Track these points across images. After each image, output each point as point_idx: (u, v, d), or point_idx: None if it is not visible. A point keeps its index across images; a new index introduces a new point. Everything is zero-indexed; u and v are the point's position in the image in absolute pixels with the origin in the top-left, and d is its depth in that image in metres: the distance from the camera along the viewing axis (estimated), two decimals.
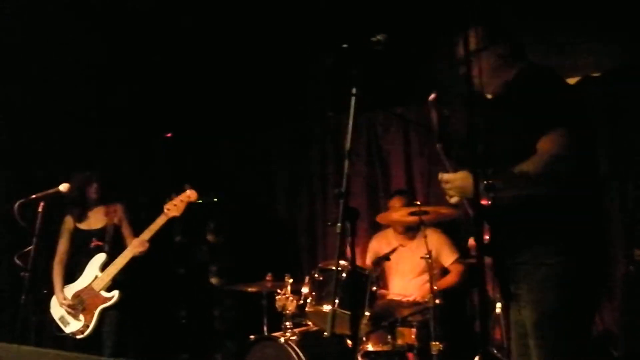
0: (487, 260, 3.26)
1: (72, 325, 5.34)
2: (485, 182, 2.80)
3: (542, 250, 2.98)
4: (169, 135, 6.77)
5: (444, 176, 3.19)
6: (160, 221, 5.31)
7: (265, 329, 5.51)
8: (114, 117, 6.64)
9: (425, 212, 5.28)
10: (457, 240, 5.83)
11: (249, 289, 5.56)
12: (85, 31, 6.04)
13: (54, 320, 5.44)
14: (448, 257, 5.72)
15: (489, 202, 2.93)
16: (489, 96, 3.34)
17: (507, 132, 3.12)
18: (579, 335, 3.01)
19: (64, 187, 5.06)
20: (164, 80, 6.75)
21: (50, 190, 5.03)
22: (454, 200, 3.20)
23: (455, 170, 3.21)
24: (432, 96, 3.26)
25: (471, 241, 3.42)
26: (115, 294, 5.30)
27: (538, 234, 3.01)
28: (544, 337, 2.99)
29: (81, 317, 5.32)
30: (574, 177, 2.93)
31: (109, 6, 5.92)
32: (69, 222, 5.62)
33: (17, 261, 4.91)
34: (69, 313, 5.36)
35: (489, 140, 3.19)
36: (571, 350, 2.98)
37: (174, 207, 5.32)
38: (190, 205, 5.38)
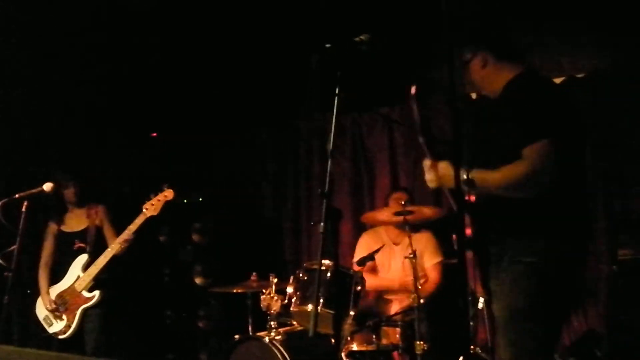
0: (469, 254, 3.31)
1: (55, 326, 5.36)
2: (465, 176, 2.85)
3: (520, 248, 3.03)
4: (154, 134, 6.77)
5: (427, 161, 3.29)
6: (138, 221, 5.35)
7: (250, 328, 5.50)
8: (98, 116, 6.62)
9: (410, 212, 5.28)
10: (444, 240, 5.83)
11: (234, 290, 5.55)
12: (72, 28, 6.02)
13: (38, 320, 5.44)
14: (429, 259, 5.71)
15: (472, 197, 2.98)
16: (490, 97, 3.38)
17: (497, 137, 3.16)
18: (547, 335, 3.05)
19: (47, 186, 5.07)
20: (150, 79, 6.73)
21: (34, 190, 5.03)
22: (432, 185, 3.29)
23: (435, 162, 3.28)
24: (412, 89, 3.28)
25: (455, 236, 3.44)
26: (97, 293, 5.34)
27: (516, 232, 3.06)
28: (511, 335, 3.02)
29: (64, 317, 5.35)
30: (555, 184, 2.96)
31: (100, 4, 5.91)
32: (52, 226, 5.68)
33: (0, 261, 4.90)
34: (52, 312, 5.36)
35: (481, 141, 3.24)
36: (537, 350, 3.01)
37: (151, 207, 5.38)
38: (168, 205, 5.41)
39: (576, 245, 3.07)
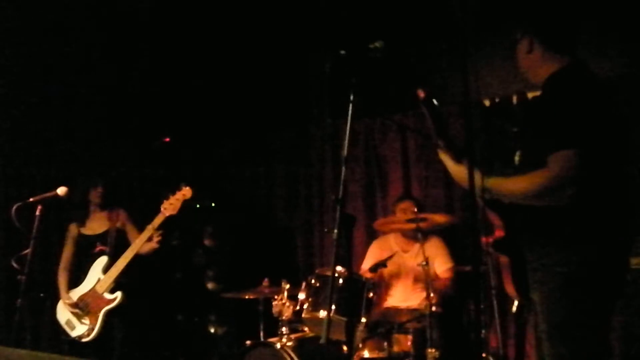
0: (504, 259, 3.27)
1: (78, 329, 5.35)
2: (482, 183, 2.81)
3: (554, 257, 2.93)
4: (167, 139, 6.78)
5: (443, 157, 3.23)
6: (157, 220, 5.33)
7: (261, 334, 5.50)
8: (115, 121, 6.66)
9: (423, 220, 5.28)
10: (455, 247, 5.82)
11: (246, 296, 5.55)
12: (88, 33, 6.06)
13: (60, 324, 5.44)
14: (440, 265, 5.70)
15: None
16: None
17: (533, 138, 3.05)
18: (589, 345, 2.94)
19: (61, 190, 5.10)
20: (164, 84, 6.77)
21: (48, 194, 5.06)
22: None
23: (457, 160, 3.20)
24: (421, 94, 3.22)
25: (484, 237, 3.41)
26: (119, 295, 5.32)
27: (549, 241, 2.96)
28: (554, 347, 2.97)
29: (86, 320, 5.33)
30: (584, 195, 2.85)
31: (111, 9, 5.95)
32: (73, 229, 5.66)
33: (14, 264, 4.92)
34: (74, 315, 5.36)
35: (523, 144, 3.16)
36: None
37: (170, 206, 5.35)
38: (186, 203, 5.40)
39: (613, 254, 2.96)
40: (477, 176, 2.70)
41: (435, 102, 3.15)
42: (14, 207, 4.86)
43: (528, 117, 3.28)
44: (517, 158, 3.14)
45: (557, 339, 2.96)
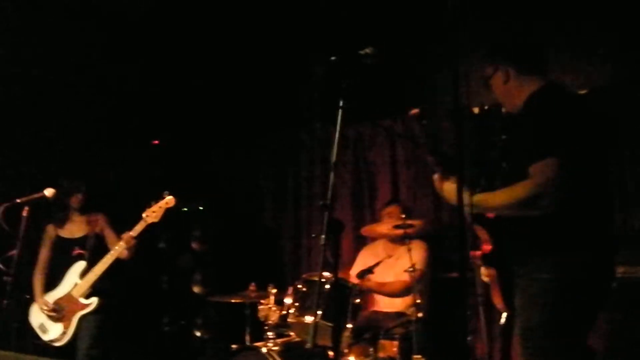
0: (491, 271, 3.33)
1: (51, 333, 5.32)
2: (468, 200, 2.84)
3: (536, 265, 3.00)
4: (156, 142, 6.77)
5: (435, 176, 3.34)
6: (138, 227, 5.32)
7: (247, 338, 5.49)
8: (101, 123, 6.63)
9: (410, 226, 5.29)
10: (442, 254, 5.82)
11: (232, 300, 5.54)
12: (74, 34, 6.04)
13: (32, 328, 5.41)
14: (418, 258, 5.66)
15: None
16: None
17: (518, 153, 3.14)
18: (562, 351, 3.00)
19: (49, 192, 5.08)
20: (152, 86, 6.76)
21: (36, 195, 5.04)
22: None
23: (446, 178, 3.30)
24: (414, 111, 3.29)
25: (472, 252, 3.46)
26: (94, 300, 5.31)
27: (531, 249, 3.04)
28: (529, 352, 3.00)
29: (60, 324, 5.31)
30: (569, 201, 2.92)
31: (101, 13, 5.93)
32: (50, 230, 5.63)
33: (0, 265, 4.89)
34: (49, 318, 5.34)
35: (509, 157, 3.23)
36: None
37: (152, 214, 5.34)
38: (169, 212, 5.39)
39: (595, 262, 3.01)
40: (465, 194, 2.74)
41: (426, 121, 3.23)
42: (1, 208, 4.83)
43: (512, 133, 3.37)
44: (503, 168, 3.21)
45: (531, 342, 3.00)
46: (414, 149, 6.15)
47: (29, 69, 6.03)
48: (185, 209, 6.86)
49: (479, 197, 3.06)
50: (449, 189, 3.25)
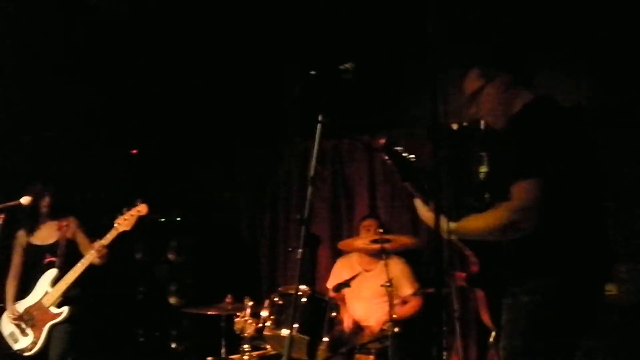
0: (479, 292, 3.32)
1: (21, 342, 5.24)
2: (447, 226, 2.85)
3: (519, 287, 2.97)
4: (134, 152, 6.75)
5: (416, 202, 3.29)
6: (110, 235, 5.23)
7: (223, 350, 5.47)
8: (78, 129, 6.59)
9: (387, 240, 5.30)
10: (418, 270, 5.85)
11: (208, 312, 5.53)
12: (50, 36, 6.01)
13: (2, 336, 5.34)
14: (407, 288, 5.71)
15: None
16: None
17: (499, 171, 3.14)
18: None
19: (25, 199, 5.03)
20: (131, 95, 6.74)
21: (12, 203, 4.98)
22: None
23: (426, 203, 3.27)
24: (381, 141, 3.28)
25: (458, 273, 3.46)
26: (65, 310, 5.22)
27: (514, 272, 3.01)
28: None
29: (30, 333, 5.23)
30: (545, 225, 2.88)
31: (82, 18, 5.92)
32: (21, 236, 5.53)
33: None
34: (18, 328, 5.27)
35: (493, 175, 3.21)
36: None
37: (124, 222, 5.26)
38: (145, 221, 5.35)
39: (580, 284, 2.94)
40: (443, 221, 2.74)
41: (397, 148, 3.21)
42: None
43: (494, 149, 3.35)
44: (483, 185, 3.20)
45: None
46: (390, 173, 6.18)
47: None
48: (163, 220, 6.84)
49: (459, 224, 3.05)
50: (428, 215, 3.22)
